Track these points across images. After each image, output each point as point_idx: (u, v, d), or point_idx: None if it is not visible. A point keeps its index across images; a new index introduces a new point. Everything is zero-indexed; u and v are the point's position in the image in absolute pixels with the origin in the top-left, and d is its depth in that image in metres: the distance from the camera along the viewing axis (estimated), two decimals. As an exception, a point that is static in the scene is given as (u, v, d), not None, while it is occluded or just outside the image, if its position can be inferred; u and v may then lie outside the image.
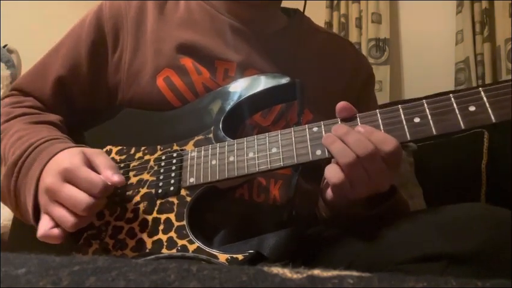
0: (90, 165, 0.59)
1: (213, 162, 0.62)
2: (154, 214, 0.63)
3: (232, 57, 0.76)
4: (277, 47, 0.80)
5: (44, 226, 0.57)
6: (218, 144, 0.63)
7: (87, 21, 0.79)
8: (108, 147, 0.72)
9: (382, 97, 2.08)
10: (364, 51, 2.18)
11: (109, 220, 0.64)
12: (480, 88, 0.51)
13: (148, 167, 0.67)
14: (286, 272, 0.29)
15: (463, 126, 0.51)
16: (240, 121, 0.70)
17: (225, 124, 0.66)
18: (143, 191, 0.65)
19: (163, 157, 0.67)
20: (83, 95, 0.78)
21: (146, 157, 0.68)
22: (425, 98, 0.55)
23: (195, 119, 0.69)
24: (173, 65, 0.74)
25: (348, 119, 0.57)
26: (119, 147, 0.72)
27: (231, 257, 0.56)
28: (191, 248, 0.58)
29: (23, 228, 0.67)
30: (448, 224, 0.50)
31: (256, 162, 0.59)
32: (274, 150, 0.59)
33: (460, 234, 0.48)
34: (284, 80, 0.67)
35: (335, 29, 2.34)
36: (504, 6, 1.87)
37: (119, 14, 0.78)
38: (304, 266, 0.32)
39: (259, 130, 0.73)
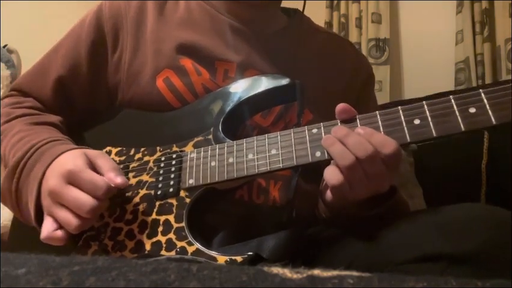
0: (93, 167, 0.59)
1: (212, 163, 0.62)
2: (153, 215, 0.63)
3: (232, 57, 0.75)
4: (277, 47, 0.80)
5: (48, 228, 0.57)
6: (217, 146, 0.63)
7: (87, 21, 0.79)
8: (108, 148, 0.72)
9: (382, 97, 2.08)
10: (364, 51, 2.19)
11: (108, 221, 0.64)
12: (480, 89, 0.51)
13: (148, 168, 0.67)
14: (286, 272, 0.29)
15: (463, 128, 0.50)
16: (240, 122, 0.70)
17: (224, 125, 0.66)
18: (142, 192, 0.65)
19: (163, 158, 0.67)
20: (83, 95, 0.78)
21: (146, 158, 0.68)
22: (425, 98, 0.55)
23: (194, 120, 0.69)
24: (173, 65, 0.73)
25: (348, 121, 0.57)
26: (119, 148, 0.72)
27: (230, 259, 0.56)
28: (190, 249, 0.58)
29: (23, 228, 0.67)
30: (448, 224, 0.50)
31: (256, 163, 0.59)
32: (273, 151, 0.59)
33: (459, 234, 0.48)
34: (284, 81, 0.67)
35: (335, 29, 2.34)
36: (504, 6, 1.87)
37: (119, 14, 0.78)
38: (304, 266, 0.32)
39: (259, 130, 0.73)
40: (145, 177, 0.66)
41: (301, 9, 0.89)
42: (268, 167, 0.58)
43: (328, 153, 0.55)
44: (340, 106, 0.57)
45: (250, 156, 0.60)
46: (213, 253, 0.57)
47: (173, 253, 0.59)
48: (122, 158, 0.70)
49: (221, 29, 0.78)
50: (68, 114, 0.78)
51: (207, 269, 0.29)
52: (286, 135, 0.59)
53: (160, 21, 0.78)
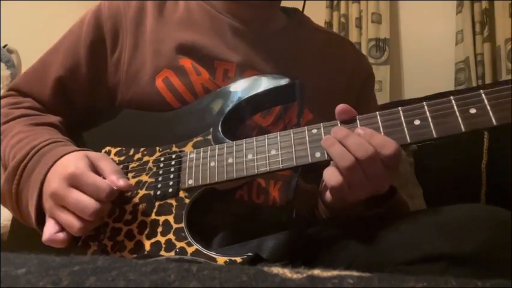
0: (94, 169, 0.59)
1: (212, 164, 0.62)
2: (153, 216, 0.63)
3: (232, 57, 0.75)
4: (277, 46, 0.80)
5: (50, 230, 0.57)
6: (217, 146, 0.63)
7: (86, 21, 0.79)
8: (107, 148, 0.72)
9: (382, 97, 2.08)
10: (364, 51, 2.19)
11: (108, 222, 0.64)
12: (481, 90, 0.51)
13: (147, 168, 0.67)
14: (286, 272, 0.29)
15: (463, 129, 0.50)
16: (239, 122, 0.70)
17: (224, 125, 0.66)
18: (141, 192, 0.65)
19: (162, 158, 0.67)
20: (83, 96, 0.78)
21: (145, 158, 0.68)
22: (425, 98, 0.55)
23: (194, 120, 0.69)
24: (173, 65, 0.73)
25: (348, 121, 0.57)
26: (118, 149, 0.71)
27: (229, 259, 0.55)
28: (189, 250, 0.58)
29: (23, 228, 0.67)
30: (448, 225, 0.50)
31: (255, 164, 0.59)
32: (273, 152, 0.59)
33: (459, 234, 0.48)
34: (284, 81, 0.67)
35: (335, 29, 2.34)
36: (504, 6, 1.87)
37: (118, 14, 0.78)
38: (304, 266, 0.32)
39: (258, 131, 0.72)
40: (144, 178, 0.66)
41: (301, 9, 0.89)
42: (268, 168, 0.58)
43: (328, 154, 0.55)
44: (340, 107, 0.57)
45: (250, 156, 0.60)
46: (212, 254, 0.57)
47: (172, 254, 0.58)
48: (122, 158, 0.70)
49: (221, 29, 0.78)
50: (68, 115, 0.78)
51: (207, 269, 0.29)
52: (286, 136, 0.59)
53: (159, 21, 0.78)
